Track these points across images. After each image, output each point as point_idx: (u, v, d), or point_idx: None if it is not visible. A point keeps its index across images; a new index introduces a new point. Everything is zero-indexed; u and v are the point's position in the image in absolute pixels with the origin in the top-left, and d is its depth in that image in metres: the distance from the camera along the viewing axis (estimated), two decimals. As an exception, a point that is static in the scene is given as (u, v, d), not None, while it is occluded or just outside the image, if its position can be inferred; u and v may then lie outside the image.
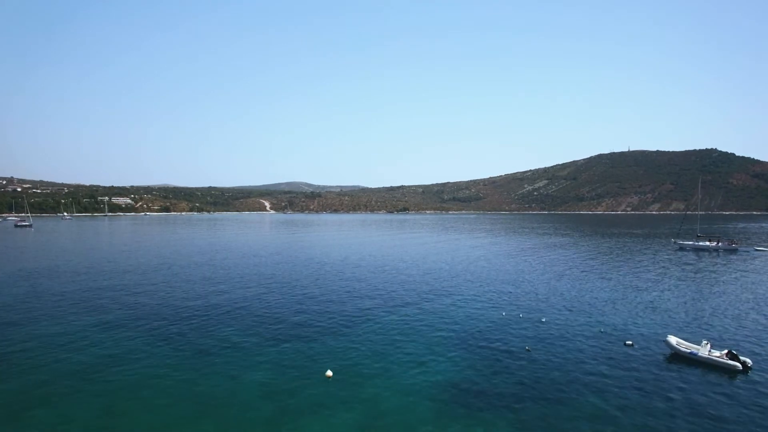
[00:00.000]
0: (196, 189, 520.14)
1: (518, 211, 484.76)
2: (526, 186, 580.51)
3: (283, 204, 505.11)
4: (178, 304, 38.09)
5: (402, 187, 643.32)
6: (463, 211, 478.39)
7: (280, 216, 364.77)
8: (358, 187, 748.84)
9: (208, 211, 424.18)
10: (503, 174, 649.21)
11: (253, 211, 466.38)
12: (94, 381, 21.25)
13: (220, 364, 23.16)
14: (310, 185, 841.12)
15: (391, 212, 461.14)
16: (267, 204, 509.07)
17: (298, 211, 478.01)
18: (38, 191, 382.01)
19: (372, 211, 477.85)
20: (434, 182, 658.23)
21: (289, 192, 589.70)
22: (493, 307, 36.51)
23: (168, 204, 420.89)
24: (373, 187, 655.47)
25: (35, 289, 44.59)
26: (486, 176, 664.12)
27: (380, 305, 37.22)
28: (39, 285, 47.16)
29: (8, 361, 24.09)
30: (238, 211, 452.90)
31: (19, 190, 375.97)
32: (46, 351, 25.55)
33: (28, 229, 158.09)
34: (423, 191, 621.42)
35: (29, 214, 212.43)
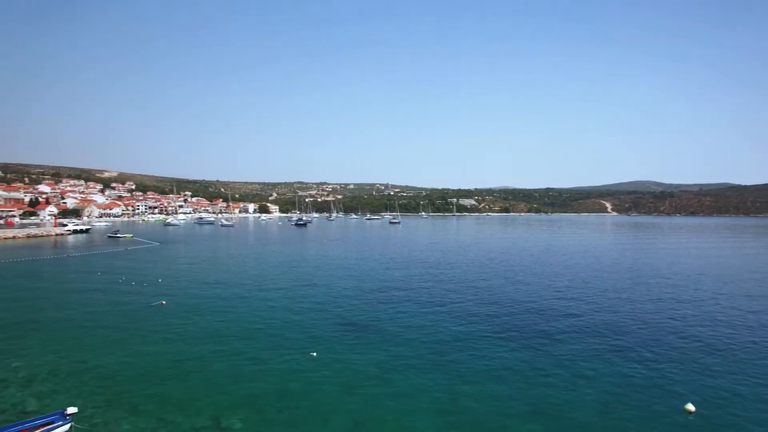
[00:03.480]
0: (534, 190, 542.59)
1: None
2: None
3: (627, 205, 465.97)
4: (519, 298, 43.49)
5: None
6: None
7: (623, 218, 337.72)
8: (726, 184, 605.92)
9: (546, 212, 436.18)
10: None
11: (593, 212, 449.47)
12: (438, 362, 26.06)
13: (560, 374, 24.51)
14: (659, 184, 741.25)
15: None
16: (608, 205, 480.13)
17: (644, 213, 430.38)
18: (404, 194, 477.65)
19: (747, 213, 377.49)
20: None
21: (634, 192, 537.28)
22: None
23: (508, 205, 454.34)
24: (747, 184, 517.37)
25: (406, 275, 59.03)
26: None
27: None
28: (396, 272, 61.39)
29: (383, 330, 32.22)
30: (576, 212, 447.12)
31: (391, 193, 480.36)
32: (407, 328, 32.79)
33: (397, 225, 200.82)
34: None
35: (398, 213, 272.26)
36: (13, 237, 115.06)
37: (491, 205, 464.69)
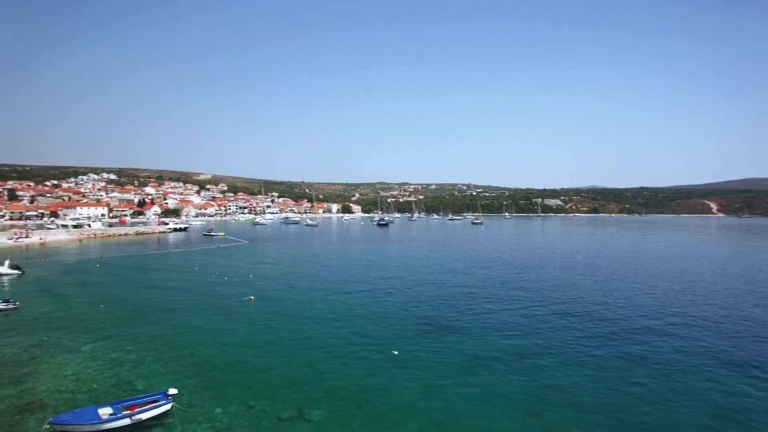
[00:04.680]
0: (626, 190, 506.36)
1: None
2: None
3: (737, 206, 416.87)
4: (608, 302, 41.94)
5: None
6: None
7: (732, 220, 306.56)
8: None
9: (639, 213, 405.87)
10: None
11: (694, 213, 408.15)
12: (520, 366, 25.68)
13: (653, 387, 23.27)
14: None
15: None
16: (713, 206, 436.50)
17: (759, 214, 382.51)
18: (486, 194, 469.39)
19: None
20: None
21: (746, 191, 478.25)
22: None
23: (596, 205, 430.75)
24: None
25: (488, 275, 59.15)
26: None
27: None
28: (487, 272, 61.87)
29: (464, 331, 32.35)
30: (674, 213, 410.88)
31: (474, 194, 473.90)
32: (488, 329, 32.81)
33: (479, 225, 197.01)
34: None
35: (481, 214, 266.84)
36: (125, 234, 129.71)
37: (578, 206, 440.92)
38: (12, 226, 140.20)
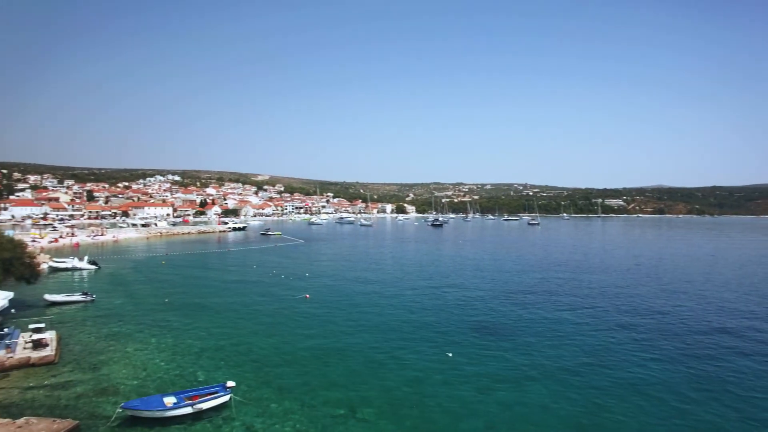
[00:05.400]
0: (696, 189, 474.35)
1: None
2: None
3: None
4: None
5: None
6: None
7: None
8: None
9: (711, 214, 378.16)
10: None
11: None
12: (576, 371, 24.98)
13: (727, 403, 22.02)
14: None
15: None
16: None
17: None
18: (544, 195, 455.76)
19: None
20: None
21: None
22: None
23: (662, 206, 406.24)
24: None
25: (543, 277, 57.94)
26: None
27: None
28: (546, 274, 61.01)
29: (520, 335, 31.39)
30: (753, 214, 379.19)
31: (530, 194, 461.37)
32: (544, 333, 32.15)
33: (536, 226, 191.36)
34: None
35: (537, 214, 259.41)
36: (188, 233, 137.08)
37: (642, 206, 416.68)
38: (90, 225, 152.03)
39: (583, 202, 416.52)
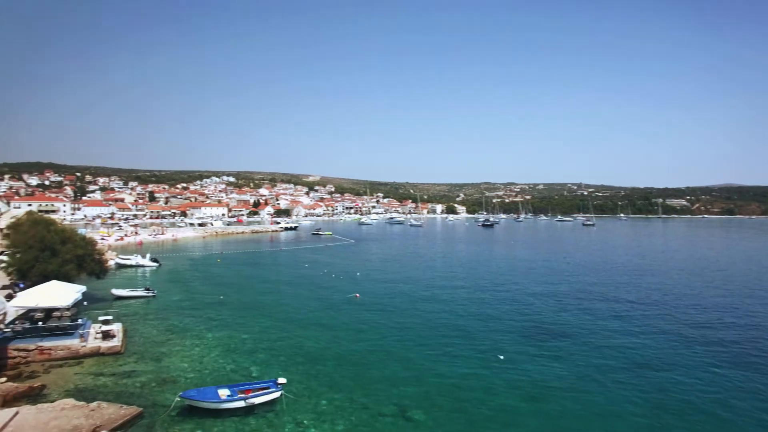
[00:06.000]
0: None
1: None
2: None
3: None
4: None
5: None
6: None
7: None
8: None
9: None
10: None
11: None
12: (637, 382, 23.87)
13: None
14: None
15: None
16: None
17: None
18: (599, 194, 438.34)
19: None
20: None
21: None
22: None
23: (731, 206, 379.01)
24: None
25: (601, 280, 55.90)
26: None
27: None
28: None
29: (574, 340, 30.71)
30: None
31: (585, 193, 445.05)
32: (601, 339, 31.28)
33: (591, 227, 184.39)
34: None
35: (593, 215, 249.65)
36: (242, 232, 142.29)
37: (708, 206, 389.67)
38: (152, 224, 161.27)
39: (642, 202, 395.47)
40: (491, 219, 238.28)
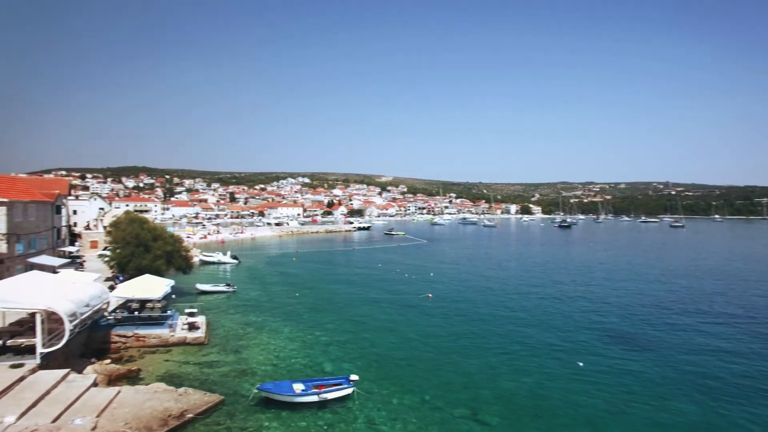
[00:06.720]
0: None
1: None
2: None
3: None
4: None
5: None
6: None
7: None
8: None
9: None
10: None
11: None
12: (733, 395, 22.39)
13: None
14: None
15: None
16: None
17: None
18: (689, 194, 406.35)
19: None
20: None
21: None
22: None
23: None
24: None
25: (687, 285, 52.19)
26: None
27: None
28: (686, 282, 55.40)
29: (660, 348, 29.17)
30: None
31: (673, 193, 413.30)
32: (690, 347, 29.56)
33: (680, 229, 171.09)
34: None
35: (682, 216, 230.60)
36: (317, 231, 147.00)
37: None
38: (232, 224, 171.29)
39: (742, 202, 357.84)
40: (568, 219, 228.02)
